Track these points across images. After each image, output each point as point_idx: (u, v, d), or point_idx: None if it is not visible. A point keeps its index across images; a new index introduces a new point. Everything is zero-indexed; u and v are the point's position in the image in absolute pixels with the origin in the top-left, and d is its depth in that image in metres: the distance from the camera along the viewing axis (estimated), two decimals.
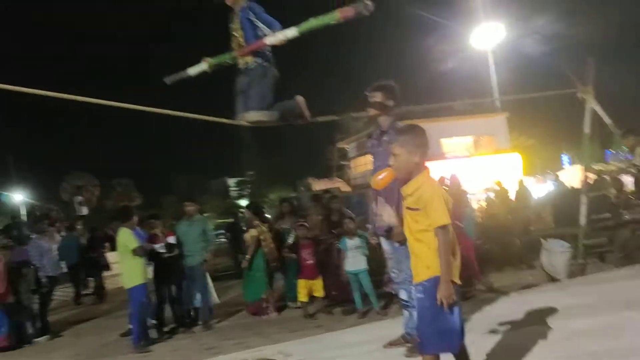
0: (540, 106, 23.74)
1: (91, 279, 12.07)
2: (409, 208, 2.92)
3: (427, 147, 2.98)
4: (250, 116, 4.24)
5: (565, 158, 28.28)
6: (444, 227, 2.76)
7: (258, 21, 4.11)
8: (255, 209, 8.50)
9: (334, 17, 3.51)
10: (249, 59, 4.25)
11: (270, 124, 4.43)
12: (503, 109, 22.75)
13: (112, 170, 39.61)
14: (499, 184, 13.24)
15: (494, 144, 21.75)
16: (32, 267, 8.08)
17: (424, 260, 2.83)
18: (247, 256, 7.70)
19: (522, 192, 12.79)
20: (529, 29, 25.56)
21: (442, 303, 2.69)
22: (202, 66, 4.42)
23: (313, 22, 3.64)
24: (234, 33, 4.31)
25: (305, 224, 7.64)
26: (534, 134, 28.45)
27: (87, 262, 11.60)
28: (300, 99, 4.58)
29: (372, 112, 3.94)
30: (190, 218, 7.68)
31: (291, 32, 3.84)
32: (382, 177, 3.15)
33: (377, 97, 3.88)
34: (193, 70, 4.48)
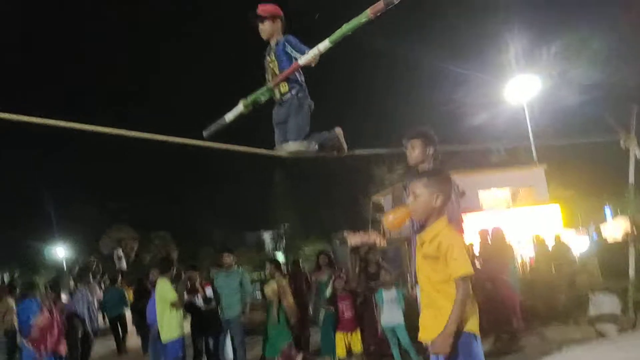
0: (580, 157, 23.42)
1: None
2: (426, 256, 2.75)
3: (449, 195, 2.86)
4: (289, 147, 4.18)
5: (607, 210, 27.50)
6: (464, 278, 2.59)
7: (294, 51, 4.05)
8: (277, 262, 8.46)
9: (364, 15, 3.40)
10: (284, 89, 4.20)
11: (308, 155, 4.30)
12: (541, 160, 22.46)
13: (149, 222, 40.28)
14: (538, 238, 12.93)
15: (533, 196, 21.38)
16: (80, 318, 8.25)
17: (447, 315, 2.62)
18: (273, 309, 7.58)
19: (559, 247, 12.39)
20: (567, 78, 25.46)
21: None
22: (239, 108, 4.30)
23: (344, 28, 3.53)
24: (270, 65, 4.26)
25: (343, 275, 7.59)
26: (574, 185, 27.90)
27: (136, 313, 11.65)
28: (338, 130, 4.50)
29: (412, 160, 3.88)
30: (228, 270, 7.72)
31: (323, 45, 3.72)
32: (396, 217, 2.96)
33: (417, 144, 3.85)
34: (230, 116, 4.35)
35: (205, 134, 4.39)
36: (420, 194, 2.80)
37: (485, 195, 20.58)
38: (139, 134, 3.99)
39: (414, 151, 3.85)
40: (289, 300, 7.65)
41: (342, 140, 4.49)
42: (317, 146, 4.26)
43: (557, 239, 12.88)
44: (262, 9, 4.24)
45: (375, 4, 3.35)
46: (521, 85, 24.89)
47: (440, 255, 2.66)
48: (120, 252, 13.95)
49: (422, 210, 2.80)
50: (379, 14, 3.38)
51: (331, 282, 7.64)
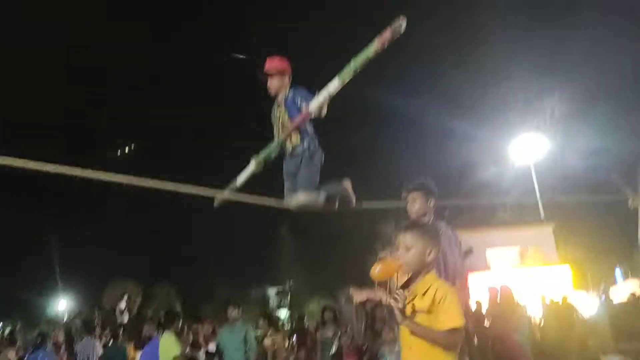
0: (588, 217, 23.25)
1: None
2: (419, 310, 2.58)
3: (439, 249, 2.74)
4: (298, 198, 4.14)
5: (618, 272, 27.03)
6: (453, 330, 2.47)
7: (304, 101, 4.05)
8: (270, 318, 8.32)
9: (373, 47, 3.37)
10: (295, 140, 4.18)
11: (316, 208, 4.25)
12: (549, 219, 22.36)
13: (153, 274, 39.81)
14: (544, 299, 12.78)
15: (541, 255, 21.17)
16: None
17: None
18: None
19: (567, 309, 12.09)
20: (572, 139, 25.63)
21: None
22: (251, 168, 4.30)
23: (352, 65, 3.50)
24: (278, 117, 4.25)
25: (349, 332, 7.47)
26: (582, 246, 27.58)
27: None
28: (347, 182, 4.46)
29: (412, 213, 3.80)
30: (233, 324, 7.59)
31: (333, 85, 3.69)
32: (382, 269, 2.73)
33: (417, 197, 3.77)
34: (243, 177, 4.35)
35: (216, 203, 4.35)
36: (413, 246, 2.68)
37: (493, 254, 20.41)
38: (141, 181, 3.97)
39: (415, 204, 3.76)
40: (282, 357, 7.52)
41: (351, 192, 4.46)
42: (325, 198, 4.22)
43: (564, 300, 12.62)
44: (270, 65, 4.29)
45: (383, 34, 3.32)
46: (527, 145, 25.10)
47: (435, 307, 2.55)
48: (123, 305, 13.72)
49: (414, 264, 2.67)
50: (387, 45, 3.36)
51: (337, 338, 7.52)
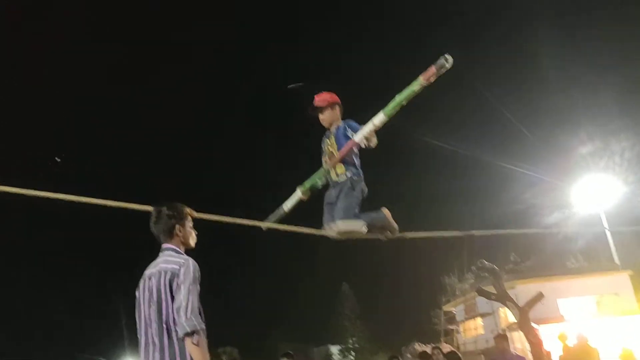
0: None
1: None
2: None
3: None
4: (338, 226, 4.04)
5: None
6: None
7: (354, 134, 4.05)
8: None
9: (418, 82, 3.41)
10: (340, 170, 4.17)
11: (357, 235, 4.13)
12: (625, 267, 21.10)
13: (216, 337, 39.95)
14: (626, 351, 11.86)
15: (619, 304, 19.84)
16: None
17: None
18: None
19: None
20: None
21: None
22: (297, 195, 4.30)
23: (397, 98, 3.54)
24: (328, 148, 4.28)
25: None
26: None
27: None
28: (386, 211, 4.34)
29: None
30: None
31: (378, 118, 3.72)
32: None
33: None
34: (289, 204, 4.33)
35: (264, 226, 4.26)
36: None
37: (566, 304, 19.29)
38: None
39: None
40: None
41: (391, 220, 4.34)
42: (366, 227, 4.08)
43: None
44: (319, 99, 4.34)
45: (427, 70, 3.35)
46: (596, 190, 23.98)
47: None
48: None
49: None
50: (432, 80, 3.38)
51: None
